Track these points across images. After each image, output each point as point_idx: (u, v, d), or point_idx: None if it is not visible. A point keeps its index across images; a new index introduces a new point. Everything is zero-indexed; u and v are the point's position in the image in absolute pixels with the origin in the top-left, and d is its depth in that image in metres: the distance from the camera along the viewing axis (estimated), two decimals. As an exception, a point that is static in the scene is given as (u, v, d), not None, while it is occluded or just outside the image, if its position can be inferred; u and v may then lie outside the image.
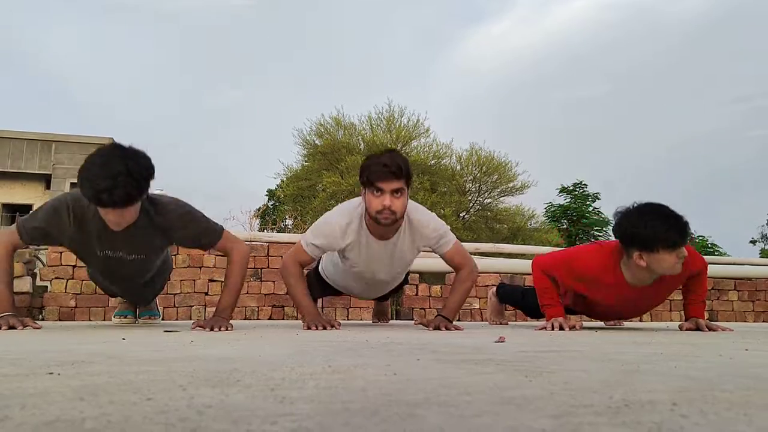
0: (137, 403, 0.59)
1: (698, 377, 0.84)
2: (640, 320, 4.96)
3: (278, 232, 15.62)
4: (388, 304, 3.58)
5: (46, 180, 17.03)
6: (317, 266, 2.90)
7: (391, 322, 3.55)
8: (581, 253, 2.59)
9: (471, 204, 19.01)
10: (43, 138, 17.03)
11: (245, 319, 4.12)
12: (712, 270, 3.93)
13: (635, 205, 2.35)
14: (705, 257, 2.73)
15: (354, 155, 16.99)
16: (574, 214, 20.56)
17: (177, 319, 4.00)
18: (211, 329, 2.15)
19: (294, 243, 2.75)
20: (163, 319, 3.49)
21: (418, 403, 0.60)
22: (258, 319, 4.16)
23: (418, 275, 4.60)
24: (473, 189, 18.98)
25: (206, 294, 4.14)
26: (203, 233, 2.34)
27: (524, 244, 15.03)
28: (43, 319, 3.80)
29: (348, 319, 4.31)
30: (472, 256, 2.80)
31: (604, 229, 19.61)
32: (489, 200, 19.20)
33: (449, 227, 2.55)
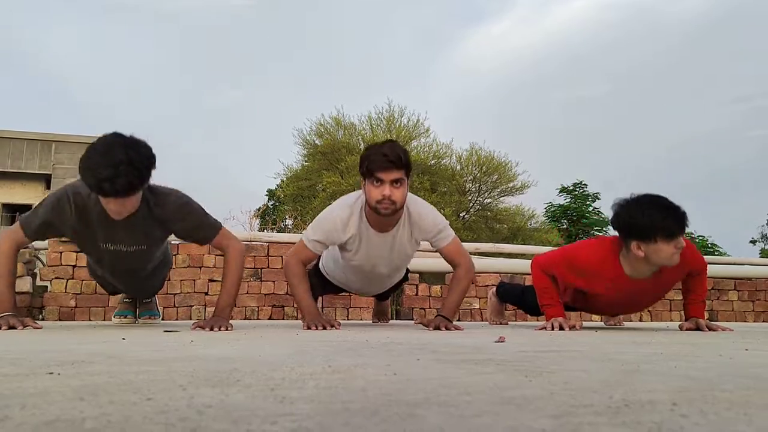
0: (137, 403, 0.59)
1: (698, 377, 0.84)
2: (640, 320, 4.97)
3: (278, 232, 15.62)
4: (388, 304, 3.58)
5: (46, 180, 17.02)
6: (317, 263, 2.91)
7: (391, 322, 3.55)
8: (581, 248, 2.60)
9: (471, 204, 19.01)
10: (43, 138, 17.03)
11: (245, 319, 4.12)
12: (712, 270, 3.93)
13: (633, 196, 2.36)
14: (705, 257, 2.73)
15: (354, 155, 16.96)
16: (574, 214, 20.58)
17: (177, 319, 4.00)
18: (211, 329, 2.15)
19: (294, 243, 2.75)
20: (163, 319, 3.49)
21: (418, 403, 0.60)
22: (258, 319, 4.16)
23: (418, 275, 4.60)
24: (473, 189, 18.98)
25: (206, 294, 4.14)
26: (200, 227, 2.35)
27: (524, 244, 15.01)
28: (43, 319, 3.80)
29: (348, 319, 4.31)
30: (473, 256, 2.81)
31: (604, 229, 19.63)
32: (489, 200, 19.21)
33: (449, 222, 2.57)
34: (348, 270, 2.69)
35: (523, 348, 1.38)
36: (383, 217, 2.34)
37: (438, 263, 3.37)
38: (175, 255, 4.00)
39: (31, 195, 17.00)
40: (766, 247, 30.38)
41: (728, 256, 15.83)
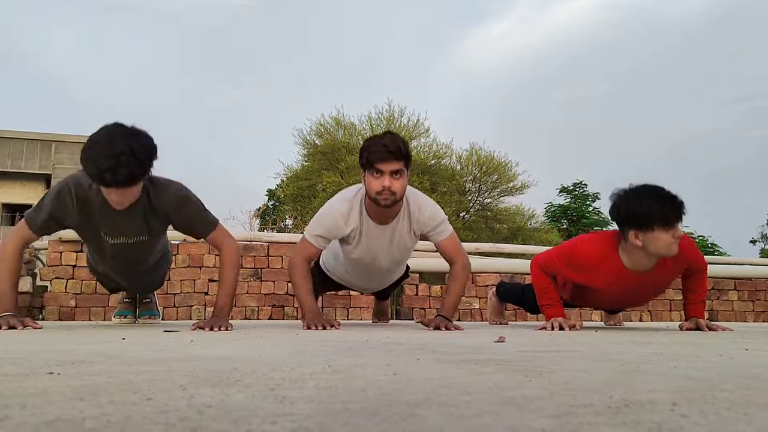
0: (137, 403, 0.59)
1: (698, 377, 0.84)
2: (640, 320, 4.97)
3: (278, 232, 15.62)
4: (389, 304, 3.59)
5: (46, 180, 17.04)
6: (317, 260, 2.91)
7: (391, 322, 3.55)
8: (580, 243, 2.60)
9: (471, 204, 19.00)
10: (43, 138, 17.05)
11: (245, 319, 4.12)
12: (712, 270, 3.93)
13: (631, 186, 2.36)
14: (705, 257, 2.73)
15: (354, 155, 16.95)
16: (574, 214, 20.60)
17: (177, 319, 4.00)
18: (211, 329, 2.15)
19: (294, 243, 2.75)
20: (163, 319, 3.49)
21: (418, 403, 0.60)
22: (258, 319, 4.16)
23: (418, 275, 4.60)
24: (473, 189, 18.97)
25: (206, 294, 4.14)
26: (195, 220, 2.36)
27: (524, 244, 15.01)
28: (43, 319, 3.80)
29: (348, 319, 4.31)
30: (473, 256, 2.81)
31: (604, 229, 19.63)
32: (489, 200, 19.19)
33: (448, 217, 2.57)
34: (348, 264, 2.69)
35: (523, 348, 1.38)
36: (383, 208, 2.34)
37: (438, 263, 3.37)
38: (175, 255, 4.00)
39: (31, 195, 17.00)
40: (766, 247, 30.38)
41: (728, 256, 15.86)
